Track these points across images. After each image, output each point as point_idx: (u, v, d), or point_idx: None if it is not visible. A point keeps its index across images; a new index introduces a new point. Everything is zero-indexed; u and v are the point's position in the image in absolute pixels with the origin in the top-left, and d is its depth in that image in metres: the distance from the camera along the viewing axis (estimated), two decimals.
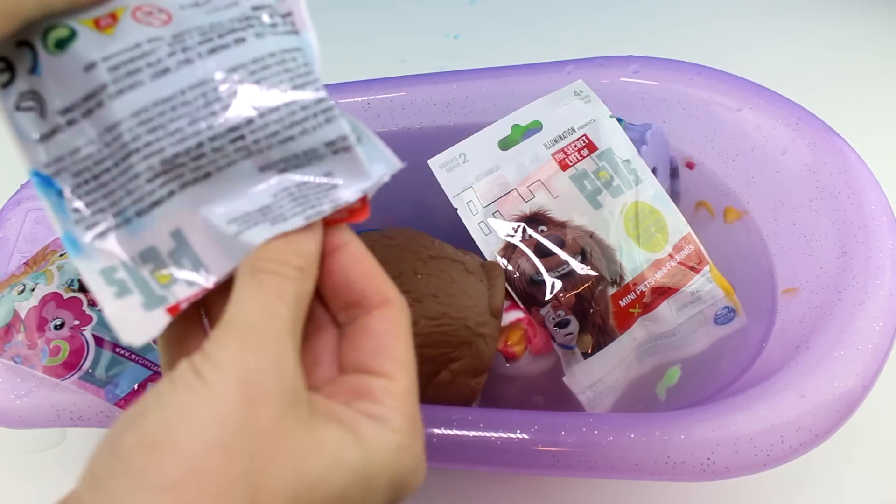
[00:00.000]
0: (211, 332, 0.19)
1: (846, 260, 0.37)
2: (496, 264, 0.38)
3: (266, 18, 0.22)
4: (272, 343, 0.19)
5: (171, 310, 0.20)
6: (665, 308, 0.39)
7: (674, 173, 0.46)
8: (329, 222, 0.22)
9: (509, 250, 0.39)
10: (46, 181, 0.20)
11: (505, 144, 0.41)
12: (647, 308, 0.39)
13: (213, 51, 0.20)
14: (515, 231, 0.40)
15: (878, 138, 0.47)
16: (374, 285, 0.22)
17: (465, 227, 0.40)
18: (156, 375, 0.36)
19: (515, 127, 0.42)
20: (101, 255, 0.20)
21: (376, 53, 0.66)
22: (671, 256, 0.40)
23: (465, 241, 0.39)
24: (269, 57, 0.21)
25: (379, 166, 0.22)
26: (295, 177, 0.21)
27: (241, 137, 0.20)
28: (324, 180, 0.21)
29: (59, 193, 0.20)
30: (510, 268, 0.39)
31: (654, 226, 0.40)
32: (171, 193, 0.20)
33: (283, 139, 0.21)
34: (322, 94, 0.21)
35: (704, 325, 0.40)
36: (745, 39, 0.62)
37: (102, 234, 0.21)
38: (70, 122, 0.20)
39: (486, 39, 0.66)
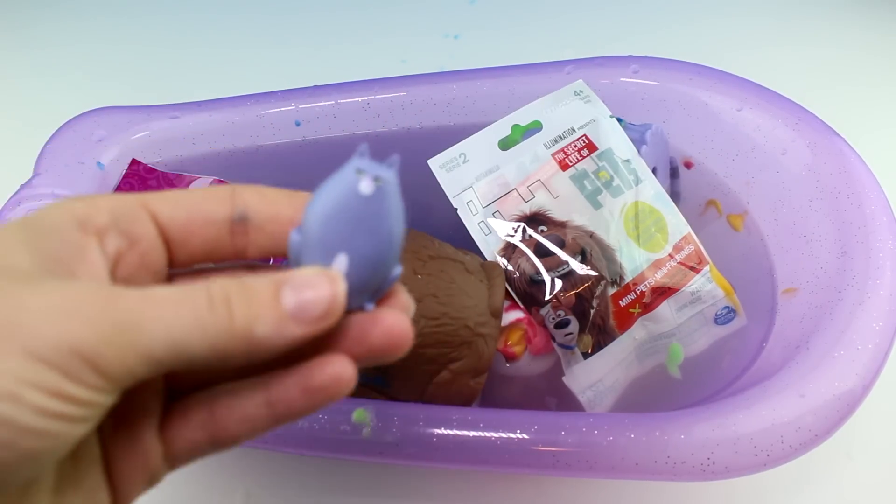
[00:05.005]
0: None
1: (846, 260, 0.37)
2: (496, 264, 0.38)
3: None
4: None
5: None
6: (665, 308, 0.39)
7: (674, 173, 0.46)
8: None
9: (509, 250, 0.39)
10: None
11: (505, 144, 0.41)
12: (647, 308, 0.39)
13: None
14: (515, 231, 0.39)
15: (878, 138, 0.47)
16: None
17: (465, 227, 0.40)
18: None
19: (515, 127, 0.42)
20: None
21: (376, 53, 0.66)
22: (671, 256, 0.39)
23: (465, 241, 0.39)
24: None
25: None
26: None
27: None
28: None
29: None
30: (510, 268, 0.39)
31: (654, 226, 0.40)
32: None
33: None
34: None
35: (704, 325, 0.40)
36: (745, 39, 0.62)
37: None
38: None
39: (486, 39, 0.66)
